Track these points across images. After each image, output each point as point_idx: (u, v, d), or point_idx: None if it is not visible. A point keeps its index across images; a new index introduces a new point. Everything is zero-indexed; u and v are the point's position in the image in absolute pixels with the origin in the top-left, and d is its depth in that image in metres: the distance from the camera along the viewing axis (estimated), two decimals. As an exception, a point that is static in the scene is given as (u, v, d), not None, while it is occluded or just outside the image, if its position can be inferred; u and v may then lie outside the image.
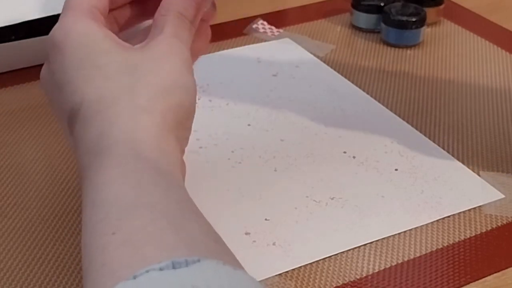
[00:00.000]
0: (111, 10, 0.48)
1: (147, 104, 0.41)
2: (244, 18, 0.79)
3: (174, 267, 0.31)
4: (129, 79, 0.42)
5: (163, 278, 0.31)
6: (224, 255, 0.36)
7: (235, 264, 0.35)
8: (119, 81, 0.42)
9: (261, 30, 0.77)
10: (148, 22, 0.50)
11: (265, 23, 0.78)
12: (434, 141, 0.61)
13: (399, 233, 0.51)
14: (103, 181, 0.38)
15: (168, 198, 0.38)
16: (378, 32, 0.77)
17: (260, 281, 0.47)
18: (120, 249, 0.34)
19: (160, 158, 0.40)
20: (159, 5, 0.48)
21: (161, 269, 0.31)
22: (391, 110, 0.65)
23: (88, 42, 0.43)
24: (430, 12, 0.77)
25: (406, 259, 0.49)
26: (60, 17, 0.45)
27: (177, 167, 0.41)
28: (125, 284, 0.31)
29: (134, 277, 0.31)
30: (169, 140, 0.41)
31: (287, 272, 0.48)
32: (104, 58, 0.43)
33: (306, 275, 0.48)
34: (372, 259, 0.49)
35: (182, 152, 0.45)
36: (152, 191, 0.38)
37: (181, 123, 0.43)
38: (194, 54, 0.49)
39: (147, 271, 0.31)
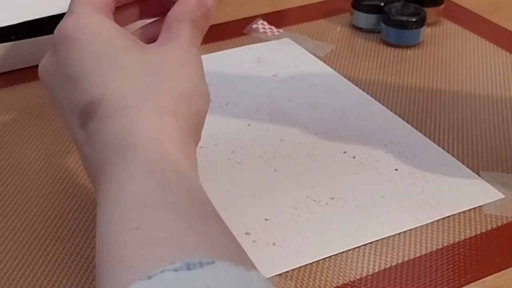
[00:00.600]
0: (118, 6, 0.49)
1: (172, 108, 0.42)
2: (244, 18, 0.79)
3: (188, 268, 0.31)
4: (153, 81, 0.42)
5: (177, 279, 0.31)
6: (242, 258, 0.36)
7: (251, 267, 0.35)
8: (143, 82, 0.42)
9: (261, 30, 0.77)
10: (141, 21, 0.51)
11: (265, 23, 0.78)
12: (434, 141, 0.61)
13: (399, 233, 0.51)
14: (127, 178, 0.38)
15: (190, 200, 0.38)
16: (378, 32, 0.77)
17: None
18: (140, 244, 0.34)
19: (183, 161, 0.40)
20: (158, 6, 0.49)
21: (175, 270, 0.31)
22: (391, 110, 0.65)
23: (105, 37, 0.43)
24: (430, 12, 0.77)
25: (406, 259, 0.49)
26: (71, 11, 0.45)
27: (197, 170, 0.42)
28: (139, 284, 0.31)
29: (149, 277, 0.31)
30: (190, 144, 0.42)
31: (287, 272, 0.48)
32: (125, 56, 0.43)
33: (306, 275, 0.48)
34: (372, 259, 0.49)
35: None
36: (175, 192, 0.38)
37: (198, 129, 0.44)
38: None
39: (162, 272, 0.31)
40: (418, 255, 0.50)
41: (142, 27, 0.50)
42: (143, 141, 0.40)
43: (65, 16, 0.45)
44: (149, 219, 0.36)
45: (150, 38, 0.48)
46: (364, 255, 0.49)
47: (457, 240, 0.51)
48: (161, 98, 0.42)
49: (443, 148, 0.60)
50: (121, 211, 0.37)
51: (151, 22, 0.50)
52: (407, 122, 0.63)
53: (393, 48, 0.75)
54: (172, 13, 0.46)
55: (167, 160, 0.40)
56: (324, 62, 0.72)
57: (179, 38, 0.45)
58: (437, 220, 0.53)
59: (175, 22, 0.46)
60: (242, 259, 0.36)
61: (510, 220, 0.53)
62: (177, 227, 0.36)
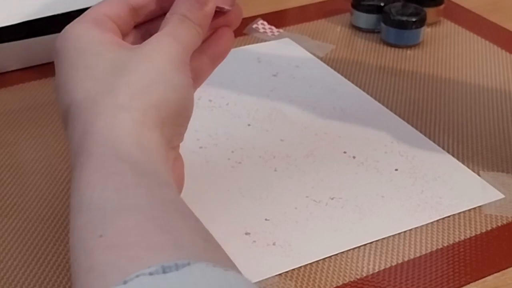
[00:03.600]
0: (141, 23, 0.48)
1: (126, 102, 0.41)
2: (244, 18, 0.79)
3: (164, 272, 0.31)
4: (112, 78, 0.42)
5: (153, 283, 0.31)
6: (214, 253, 0.35)
7: (227, 263, 0.35)
8: (103, 81, 0.42)
9: (261, 30, 0.77)
10: None
11: (265, 23, 0.78)
12: (434, 141, 0.61)
13: (399, 233, 0.51)
14: (86, 185, 0.38)
15: (152, 199, 0.37)
16: (378, 32, 0.77)
17: (260, 281, 0.47)
18: (107, 252, 0.34)
19: (141, 156, 0.39)
20: None
21: (151, 274, 0.31)
22: (391, 110, 0.65)
23: (81, 45, 0.44)
24: (430, 12, 0.77)
25: (406, 259, 0.49)
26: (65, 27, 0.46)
27: (162, 164, 0.41)
28: None
29: (124, 282, 0.31)
30: (152, 136, 0.41)
31: (287, 272, 0.48)
32: (94, 59, 0.43)
33: (306, 275, 0.48)
34: (372, 259, 0.49)
35: (173, 149, 0.44)
36: (135, 193, 0.37)
37: (168, 119, 0.43)
38: (213, 59, 0.50)
39: (137, 276, 0.31)
40: (418, 255, 0.50)
41: (149, 22, 0.49)
42: (96, 142, 0.40)
43: None
44: (111, 225, 0.35)
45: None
46: (364, 255, 0.49)
47: (457, 240, 0.51)
48: (116, 94, 0.41)
49: (443, 148, 0.60)
50: (83, 220, 0.37)
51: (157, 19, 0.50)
52: (407, 122, 0.63)
53: (393, 48, 0.75)
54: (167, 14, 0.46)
55: (121, 160, 0.39)
56: (324, 62, 0.72)
57: (158, 33, 0.45)
58: (437, 220, 0.53)
59: (165, 19, 0.46)
60: (212, 254, 0.35)
61: (510, 220, 0.53)
62: (140, 229, 0.35)
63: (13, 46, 0.68)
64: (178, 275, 0.31)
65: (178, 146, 0.45)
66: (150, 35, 0.46)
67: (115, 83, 0.42)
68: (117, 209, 0.36)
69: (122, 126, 0.40)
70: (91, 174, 0.38)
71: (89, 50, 0.43)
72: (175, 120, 0.43)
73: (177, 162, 0.45)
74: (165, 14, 0.47)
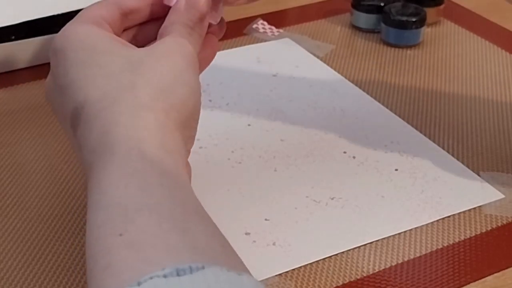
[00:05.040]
0: (129, 27, 0.48)
1: (149, 102, 0.41)
2: (244, 18, 0.79)
3: (178, 274, 0.31)
4: (131, 77, 0.42)
5: (167, 285, 0.31)
6: (230, 259, 0.35)
7: (240, 268, 0.35)
8: (121, 79, 0.42)
9: (261, 30, 0.77)
10: None
11: (265, 23, 0.78)
12: (434, 141, 0.61)
13: (399, 233, 0.51)
14: (108, 183, 0.38)
15: (173, 200, 0.37)
16: (378, 32, 0.77)
17: (260, 281, 0.47)
18: (125, 251, 0.34)
19: (164, 158, 0.39)
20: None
21: (165, 276, 0.31)
22: (391, 110, 0.65)
23: (90, 43, 0.43)
24: (430, 12, 0.77)
25: (406, 259, 0.49)
26: (63, 28, 0.45)
27: (183, 167, 0.41)
28: None
29: (138, 284, 0.31)
30: (174, 138, 0.41)
31: (287, 272, 0.48)
32: (107, 57, 0.43)
33: (306, 275, 0.48)
34: (372, 259, 0.49)
35: (188, 152, 0.44)
36: (157, 193, 0.37)
37: (186, 122, 0.43)
38: (201, 64, 0.50)
39: (151, 278, 0.31)
40: (418, 255, 0.50)
41: (137, 27, 0.49)
42: (118, 142, 0.39)
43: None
44: (131, 224, 0.35)
45: (142, 41, 0.48)
46: (364, 255, 0.49)
47: (457, 240, 0.51)
48: (137, 93, 0.41)
49: (443, 148, 0.60)
50: (104, 217, 0.36)
51: (145, 25, 0.50)
52: (407, 122, 0.63)
53: (393, 48, 0.75)
54: (163, 25, 0.46)
55: (145, 159, 0.39)
56: (324, 62, 0.72)
57: (167, 36, 0.45)
58: (437, 220, 0.53)
59: (166, 28, 0.46)
60: (228, 259, 0.35)
61: (510, 220, 0.53)
62: (160, 229, 0.35)
63: (13, 46, 0.68)
64: (192, 279, 0.31)
65: (190, 151, 0.45)
66: (137, 41, 0.47)
67: (134, 82, 0.42)
68: (139, 207, 0.36)
69: (145, 126, 0.40)
70: (113, 172, 0.38)
71: (100, 49, 0.43)
72: (191, 122, 0.44)
73: (187, 166, 0.46)
74: (154, 20, 0.48)
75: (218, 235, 0.37)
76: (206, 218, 0.38)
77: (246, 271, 0.35)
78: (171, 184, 0.38)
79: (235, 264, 0.35)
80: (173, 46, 0.44)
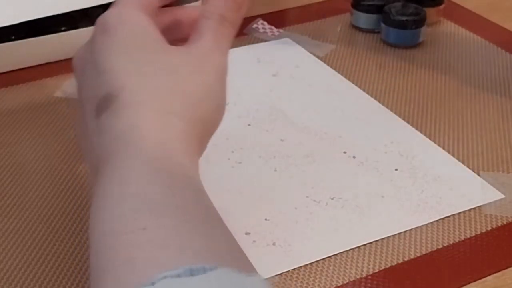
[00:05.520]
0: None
1: (179, 110, 0.42)
2: (244, 18, 0.78)
3: (191, 274, 0.31)
4: (168, 81, 0.42)
5: (180, 285, 0.31)
6: (245, 263, 0.36)
7: (250, 269, 0.35)
8: (158, 82, 0.42)
9: (261, 30, 0.77)
10: (187, 11, 0.50)
11: (265, 23, 0.78)
12: (434, 141, 0.61)
13: (399, 233, 0.51)
14: (133, 174, 0.38)
15: (196, 203, 0.38)
16: (378, 32, 0.77)
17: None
18: (147, 246, 0.34)
19: (188, 162, 0.40)
20: None
21: (178, 276, 0.31)
22: (391, 110, 0.65)
23: (139, 34, 0.44)
24: (430, 12, 0.77)
25: (406, 259, 0.49)
26: (116, 4, 0.45)
27: (199, 175, 0.42)
28: None
29: (152, 283, 0.31)
30: (195, 149, 0.42)
31: (287, 272, 0.48)
32: (152, 54, 0.43)
33: (306, 275, 0.48)
34: (372, 259, 0.49)
35: None
36: (183, 194, 0.38)
37: (206, 137, 0.44)
38: None
39: (164, 277, 0.31)
40: (418, 255, 0.50)
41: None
42: (145, 137, 0.40)
43: (110, 7, 0.45)
44: (156, 219, 0.35)
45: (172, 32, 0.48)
46: (364, 255, 0.49)
47: (457, 240, 0.51)
48: (169, 99, 0.42)
49: (443, 148, 0.60)
50: (126, 209, 0.36)
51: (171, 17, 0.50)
52: (407, 122, 0.63)
53: (393, 48, 0.75)
54: (201, 11, 0.46)
55: (172, 160, 0.39)
56: (324, 62, 0.72)
57: (202, 38, 0.45)
58: (437, 220, 0.52)
59: (202, 20, 0.45)
60: (245, 264, 0.35)
61: (510, 220, 0.53)
62: (183, 230, 0.35)
63: (13, 46, 0.68)
64: (204, 279, 0.31)
65: None
66: (163, 24, 0.47)
67: (170, 87, 0.42)
68: (163, 204, 0.36)
69: (171, 130, 0.41)
70: (140, 165, 0.38)
71: (146, 43, 0.43)
72: (209, 137, 0.45)
73: None
74: None
75: (235, 242, 0.37)
76: (225, 226, 0.38)
77: (256, 272, 0.35)
78: (195, 187, 0.39)
79: (249, 268, 0.35)
80: (208, 57, 0.44)
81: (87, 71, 0.44)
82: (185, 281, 0.31)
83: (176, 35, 0.48)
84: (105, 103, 0.42)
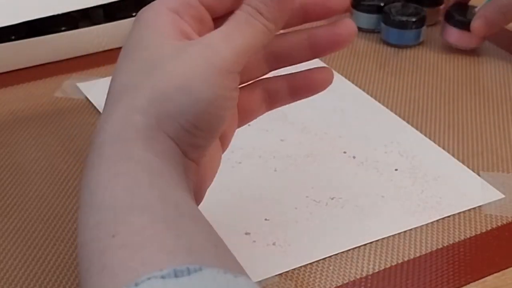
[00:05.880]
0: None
1: (144, 105, 0.39)
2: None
3: (176, 276, 0.31)
4: (144, 77, 0.40)
5: (165, 286, 0.31)
6: (225, 259, 0.35)
7: (237, 269, 0.35)
8: (136, 77, 0.40)
9: (261, 30, 0.77)
10: None
11: (265, 23, 0.78)
12: (434, 141, 0.61)
13: (399, 233, 0.51)
14: (96, 183, 0.38)
15: (164, 201, 0.37)
16: (378, 32, 0.77)
17: (260, 281, 0.47)
18: (119, 252, 0.34)
19: (153, 159, 0.38)
20: None
21: (162, 277, 0.31)
22: (391, 110, 0.65)
23: (151, 33, 0.41)
24: (430, 12, 0.77)
25: (406, 259, 0.49)
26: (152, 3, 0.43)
27: (174, 169, 0.40)
28: None
29: (136, 284, 0.31)
30: (165, 142, 0.40)
31: (287, 272, 0.48)
32: (146, 51, 0.41)
33: (306, 275, 0.48)
34: (372, 259, 0.49)
35: (192, 160, 0.42)
36: (147, 194, 0.37)
37: (187, 131, 0.40)
38: (294, 94, 0.48)
39: (148, 278, 0.31)
40: (418, 255, 0.50)
41: None
42: (107, 140, 0.39)
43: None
44: (123, 225, 0.35)
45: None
46: (364, 255, 0.49)
47: (457, 240, 0.51)
48: (138, 94, 0.40)
49: (443, 148, 0.60)
50: (96, 219, 0.36)
51: None
52: (407, 122, 0.63)
53: (393, 48, 0.75)
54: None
55: (133, 160, 0.38)
56: (324, 62, 0.72)
57: (218, 29, 0.41)
58: (437, 220, 0.52)
59: (236, 11, 0.41)
60: (223, 261, 0.35)
61: (510, 220, 0.53)
62: (153, 230, 0.35)
63: (13, 46, 0.68)
64: (190, 280, 0.31)
65: (198, 159, 0.42)
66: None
67: (140, 82, 0.40)
68: (129, 208, 0.36)
69: (133, 128, 0.39)
70: (101, 173, 0.38)
71: (150, 42, 0.41)
72: (195, 132, 0.40)
73: (195, 176, 0.43)
74: None
75: (211, 235, 0.37)
76: (200, 220, 0.37)
77: (242, 272, 0.35)
78: (161, 184, 0.37)
79: (230, 264, 0.35)
80: (202, 50, 0.40)
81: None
82: (170, 282, 0.31)
83: None
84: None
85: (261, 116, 0.63)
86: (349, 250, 0.50)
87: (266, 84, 0.48)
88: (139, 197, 0.36)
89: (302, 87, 0.48)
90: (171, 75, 0.40)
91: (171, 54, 0.40)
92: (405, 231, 0.51)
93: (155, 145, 0.39)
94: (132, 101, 0.40)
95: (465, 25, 0.72)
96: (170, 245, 0.34)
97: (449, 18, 0.73)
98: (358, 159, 0.58)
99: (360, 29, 0.77)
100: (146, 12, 0.43)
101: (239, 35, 0.40)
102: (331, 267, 0.48)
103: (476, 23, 0.71)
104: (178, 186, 0.39)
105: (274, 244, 0.50)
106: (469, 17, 0.72)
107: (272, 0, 0.41)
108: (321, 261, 0.49)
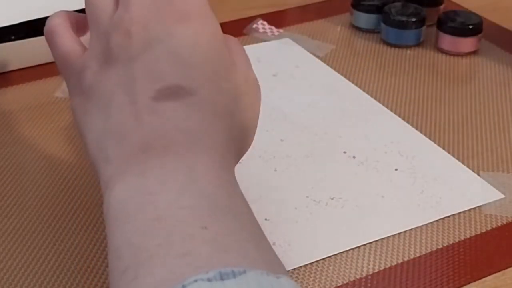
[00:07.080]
0: None
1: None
2: (244, 18, 0.79)
3: (222, 278, 0.31)
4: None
5: None
6: (274, 263, 0.36)
7: (280, 270, 0.36)
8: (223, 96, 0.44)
9: (261, 30, 0.77)
10: None
11: (265, 23, 0.78)
12: (434, 141, 0.61)
13: (399, 233, 0.51)
14: (201, 172, 0.38)
15: (251, 213, 0.39)
16: (378, 32, 0.77)
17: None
18: (207, 245, 0.34)
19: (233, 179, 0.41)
20: None
21: (209, 280, 0.31)
22: (391, 110, 0.65)
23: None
24: (430, 12, 0.77)
25: (406, 259, 0.49)
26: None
27: None
28: None
29: (183, 287, 0.31)
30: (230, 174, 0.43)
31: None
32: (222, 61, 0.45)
33: (306, 275, 0.48)
34: (372, 259, 0.49)
35: None
36: (241, 202, 0.39)
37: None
38: None
39: (195, 281, 0.31)
40: (418, 255, 0.50)
41: None
42: (212, 146, 0.40)
43: None
44: (218, 220, 0.36)
45: None
46: (364, 255, 0.49)
47: (457, 240, 0.51)
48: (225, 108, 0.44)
49: (443, 148, 0.60)
50: (190, 204, 0.36)
51: None
52: (407, 122, 0.63)
53: (393, 48, 0.75)
54: None
55: (231, 172, 0.41)
56: (324, 62, 0.72)
57: None
58: (437, 220, 0.52)
59: None
60: (274, 265, 0.36)
61: (510, 220, 0.53)
62: (241, 237, 0.35)
63: (13, 46, 0.68)
64: (235, 283, 0.31)
65: None
66: None
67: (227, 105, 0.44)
68: (226, 209, 0.37)
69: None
70: (209, 167, 0.39)
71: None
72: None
73: None
74: None
75: (255, 233, 0.38)
76: (244, 214, 0.39)
77: (284, 271, 0.36)
78: (245, 200, 0.40)
79: (275, 266, 0.36)
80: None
81: (158, 50, 0.42)
82: (216, 285, 0.31)
83: None
84: (175, 93, 0.41)
85: (261, 116, 0.63)
86: (349, 250, 0.50)
87: None
88: (236, 202, 0.39)
89: None
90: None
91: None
92: (405, 231, 0.51)
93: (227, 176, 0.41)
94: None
95: (457, 31, 0.72)
96: (252, 255, 0.35)
97: (441, 25, 0.73)
98: (358, 159, 0.58)
99: (360, 29, 0.78)
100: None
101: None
102: (331, 267, 0.48)
103: None
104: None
105: (274, 244, 0.50)
106: (460, 22, 0.73)
107: None
108: (321, 261, 0.49)
